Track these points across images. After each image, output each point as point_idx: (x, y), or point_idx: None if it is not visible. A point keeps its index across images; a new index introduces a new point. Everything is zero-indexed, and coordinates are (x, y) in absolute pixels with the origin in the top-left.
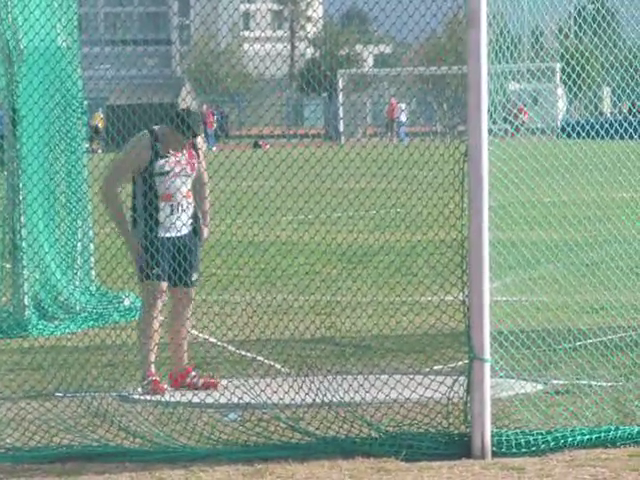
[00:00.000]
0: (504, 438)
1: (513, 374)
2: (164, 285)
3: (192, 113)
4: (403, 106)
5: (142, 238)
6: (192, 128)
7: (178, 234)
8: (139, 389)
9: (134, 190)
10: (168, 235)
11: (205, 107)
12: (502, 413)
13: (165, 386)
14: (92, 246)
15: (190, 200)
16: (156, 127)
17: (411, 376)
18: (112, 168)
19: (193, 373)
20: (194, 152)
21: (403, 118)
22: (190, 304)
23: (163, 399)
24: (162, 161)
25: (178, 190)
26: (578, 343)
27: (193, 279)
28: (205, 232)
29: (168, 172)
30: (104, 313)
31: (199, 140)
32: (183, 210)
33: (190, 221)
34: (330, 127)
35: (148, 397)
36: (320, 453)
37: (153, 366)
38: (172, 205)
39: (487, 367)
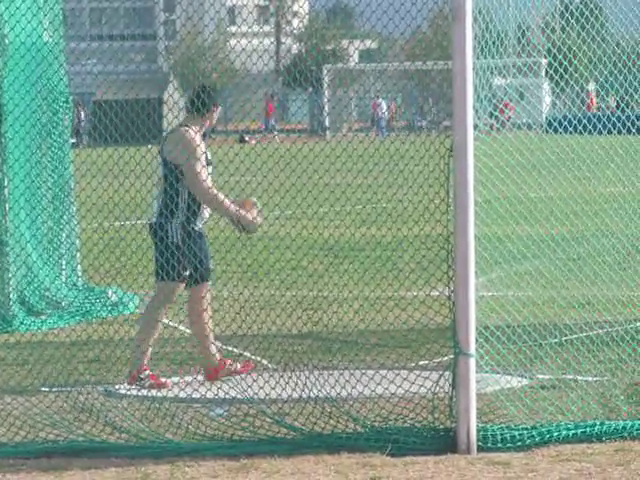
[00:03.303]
0: (490, 433)
1: (499, 369)
2: (182, 286)
3: (205, 84)
4: (383, 103)
5: (182, 234)
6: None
7: (202, 228)
8: (126, 384)
9: (175, 183)
10: (200, 230)
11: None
12: (488, 408)
13: (165, 380)
14: (78, 242)
15: None
16: (183, 124)
17: (397, 371)
18: (196, 172)
19: (229, 361)
20: None
21: (384, 114)
22: (208, 298)
23: (150, 394)
24: (206, 151)
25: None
26: (564, 338)
27: (210, 272)
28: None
29: (211, 163)
30: (91, 309)
31: None
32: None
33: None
34: (316, 122)
35: (135, 392)
36: (306, 448)
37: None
38: None
39: (473, 362)
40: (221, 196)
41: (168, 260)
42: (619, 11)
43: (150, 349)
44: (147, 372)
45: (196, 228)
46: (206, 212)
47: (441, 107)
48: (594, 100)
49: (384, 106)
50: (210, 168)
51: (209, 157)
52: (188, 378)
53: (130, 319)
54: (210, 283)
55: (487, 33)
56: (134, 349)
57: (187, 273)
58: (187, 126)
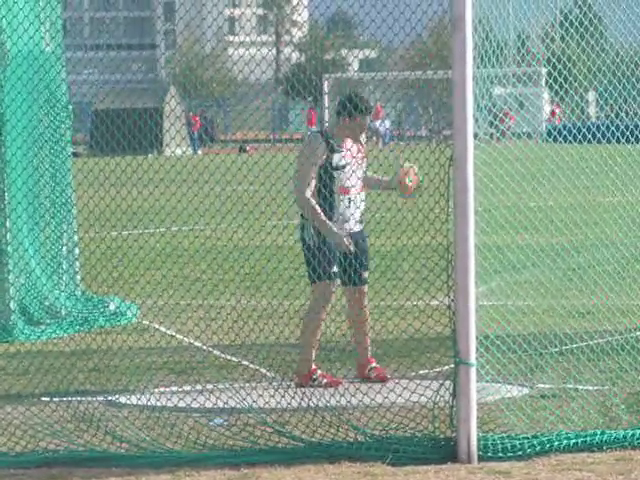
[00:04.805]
0: (490, 442)
1: (499, 378)
2: (336, 284)
3: (359, 93)
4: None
5: (316, 234)
6: (366, 103)
7: (350, 230)
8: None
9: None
10: (346, 228)
11: (190, 112)
12: (488, 417)
13: (338, 378)
14: (77, 250)
15: (363, 196)
16: (324, 128)
17: (397, 380)
18: (298, 176)
19: (373, 364)
20: (362, 145)
21: (387, 123)
22: (365, 302)
23: (149, 403)
24: (339, 155)
25: (354, 185)
26: (564, 347)
27: (364, 277)
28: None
29: (345, 166)
30: (89, 318)
31: (363, 135)
32: (357, 206)
33: (361, 218)
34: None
35: (135, 401)
36: (306, 457)
37: (314, 363)
38: (349, 199)
39: (473, 371)
40: (314, 205)
41: (309, 262)
42: (618, 21)
43: (315, 351)
44: (318, 372)
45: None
46: (352, 219)
47: (441, 116)
48: (556, 110)
49: (387, 123)
50: (337, 172)
51: (335, 162)
52: (187, 387)
53: (128, 328)
54: (366, 289)
55: (487, 42)
56: (300, 353)
57: (334, 270)
58: (318, 131)
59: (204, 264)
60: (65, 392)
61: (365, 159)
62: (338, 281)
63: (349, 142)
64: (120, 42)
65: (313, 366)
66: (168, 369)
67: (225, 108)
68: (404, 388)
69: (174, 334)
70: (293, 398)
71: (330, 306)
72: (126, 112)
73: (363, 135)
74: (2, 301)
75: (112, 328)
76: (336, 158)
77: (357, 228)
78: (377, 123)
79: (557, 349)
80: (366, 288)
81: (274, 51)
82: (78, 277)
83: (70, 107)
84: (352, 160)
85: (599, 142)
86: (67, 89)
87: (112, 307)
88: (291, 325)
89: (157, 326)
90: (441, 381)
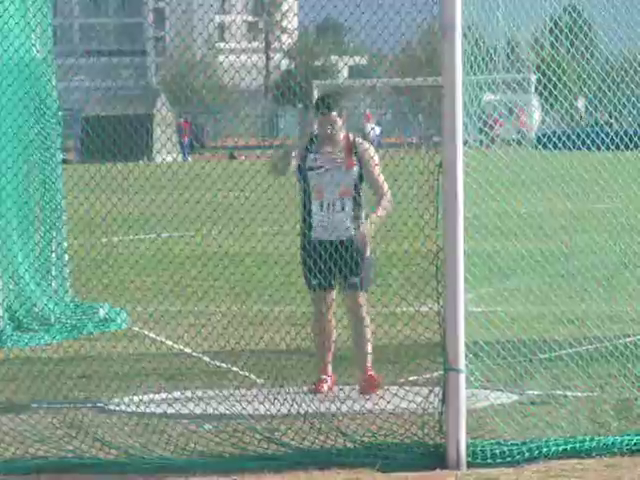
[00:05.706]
0: (479, 449)
1: (488, 385)
2: (328, 292)
3: (330, 94)
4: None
5: (301, 245)
6: (325, 102)
7: (332, 238)
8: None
9: (299, 192)
10: (323, 238)
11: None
12: (477, 424)
13: (324, 388)
14: (66, 256)
15: (348, 200)
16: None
17: (386, 387)
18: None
19: (370, 374)
20: (354, 152)
21: (377, 130)
22: (360, 309)
23: (138, 410)
24: (314, 155)
25: (328, 186)
26: (553, 354)
27: (352, 283)
28: (364, 228)
29: (319, 167)
30: (78, 324)
31: (363, 143)
32: (336, 211)
33: (349, 225)
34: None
35: (123, 407)
36: (295, 464)
37: (330, 366)
38: (322, 203)
39: (462, 378)
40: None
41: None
42: (608, 27)
43: (329, 354)
44: (320, 377)
45: (312, 238)
46: (331, 225)
47: (431, 123)
48: (524, 118)
49: (377, 129)
50: (310, 174)
51: (307, 163)
52: (176, 394)
53: (117, 334)
54: (362, 296)
55: (476, 49)
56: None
57: (314, 282)
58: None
59: (194, 271)
60: (54, 398)
61: (353, 165)
62: (329, 291)
63: (328, 146)
64: (111, 49)
65: (327, 370)
66: (157, 375)
67: (215, 115)
68: (393, 395)
69: (164, 340)
70: (283, 405)
71: (330, 313)
72: (116, 119)
73: (366, 144)
74: None
75: (101, 334)
76: (311, 158)
77: (341, 236)
78: (367, 127)
79: (546, 355)
80: (359, 295)
81: (264, 58)
82: (67, 283)
83: (60, 114)
84: (327, 162)
85: (589, 149)
86: (57, 96)
87: (101, 313)
88: (281, 332)
89: (147, 332)
90: (430, 387)
